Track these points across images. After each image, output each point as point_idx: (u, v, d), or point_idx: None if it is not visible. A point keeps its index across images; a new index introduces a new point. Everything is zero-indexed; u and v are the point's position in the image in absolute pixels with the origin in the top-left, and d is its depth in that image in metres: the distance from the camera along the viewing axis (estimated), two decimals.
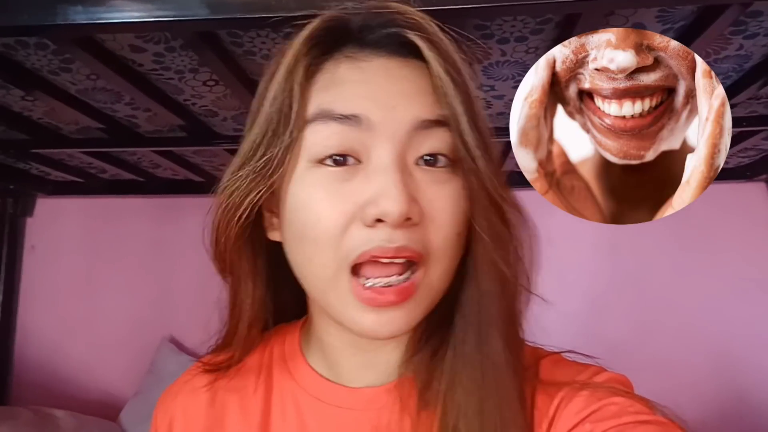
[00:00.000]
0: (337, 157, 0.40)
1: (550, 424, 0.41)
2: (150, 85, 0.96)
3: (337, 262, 0.40)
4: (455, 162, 0.41)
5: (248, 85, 0.92)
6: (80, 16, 0.69)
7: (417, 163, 0.41)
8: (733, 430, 1.54)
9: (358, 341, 0.46)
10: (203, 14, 0.69)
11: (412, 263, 0.40)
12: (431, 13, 0.67)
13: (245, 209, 0.42)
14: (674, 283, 1.64)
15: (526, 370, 0.44)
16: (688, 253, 1.64)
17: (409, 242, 0.39)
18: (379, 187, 0.38)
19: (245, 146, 0.43)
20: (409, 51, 0.42)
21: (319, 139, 0.40)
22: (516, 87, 0.98)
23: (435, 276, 0.41)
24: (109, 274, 1.78)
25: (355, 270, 0.40)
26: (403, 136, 0.40)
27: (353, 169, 0.40)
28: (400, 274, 0.40)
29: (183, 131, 1.18)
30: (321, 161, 0.40)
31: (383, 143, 0.39)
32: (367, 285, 0.39)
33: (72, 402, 1.66)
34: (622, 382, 0.44)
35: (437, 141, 0.41)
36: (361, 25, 0.43)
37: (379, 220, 0.38)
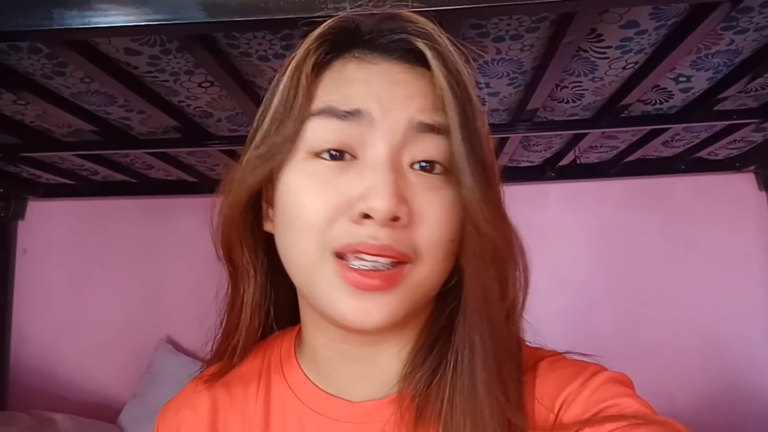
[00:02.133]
0: (334, 152, 0.41)
1: (552, 428, 0.41)
2: (145, 88, 0.95)
3: (321, 249, 0.40)
4: (451, 171, 0.41)
5: (244, 86, 0.92)
6: (75, 20, 0.69)
7: (412, 167, 0.41)
8: (725, 419, 1.57)
9: (347, 350, 0.46)
10: (199, 17, 0.69)
11: (396, 263, 0.40)
12: (429, 13, 0.68)
13: (243, 192, 0.43)
14: (665, 275, 1.66)
15: (525, 373, 0.44)
16: (678, 245, 1.67)
17: (393, 242, 0.39)
18: (370, 183, 0.39)
19: (254, 136, 0.44)
20: (415, 58, 0.43)
21: (318, 132, 0.41)
22: (510, 84, 0.99)
23: (421, 276, 0.41)
24: (103, 275, 1.77)
25: (340, 256, 0.40)
26: (398, 136, 0.40)
27: (348, 165, 0.41)
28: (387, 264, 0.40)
29: (177, 132, 1.17)
30: (318, 154, 0.41)
31: (379, 141, 0.40)
32: (354, 266, 0.39)
33: (69, 404, 1.66)
34: (622, 381, 0.44)
35: (433, 147, 0.41)
36: (372, 28, 0.43)
37: (366, 217, 0.39)
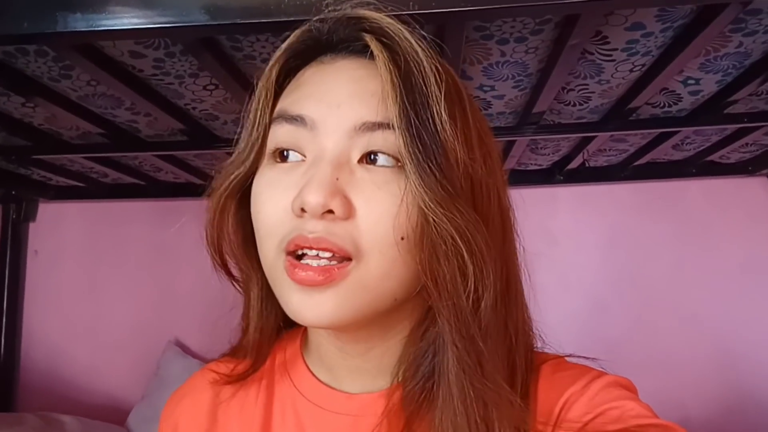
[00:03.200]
0: (285, 153, 0.43)
1: (553, 430, 0.41)
2: (150, 90, 0.96)
3: (276, 249, 0.41)
4: (402, 165, 0.40)
5: (248, 88, 0.92)
6: (80, 23, 0.70)
7: (361, 162, 0.41)
8: (738, 428, 1.54)
9: (343, 345, 0.47)
10: (203, 20, 0.69)
11: (340, 259, 0.40)
12: (432, 17, 0.68)
13: (222, 200, 0.46)
14: (676, 281, 1.64)
15: (526, 376, 0.44)
16: (690, 250, 1.64)
17: (329, 235, 0.39)
18: (307, 179, 0.40)
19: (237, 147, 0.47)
20: (372, 53, 0.42)
21: (274, 137, 0.43)
22: (516, 87, 0.99)
23: (369, 273, 0.40)
24: (112, 277, 1.78)
25: (290, 254, 0.41)
26: (343, 134, 0.41)
27: (298, 165, 0.42)
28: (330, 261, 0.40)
29: (184, 135, 1.18)
30: (274, 158, 0.43)
31: (324, 140, 0.41)
32: (300, 263, 0.40)
33: (78, 406, 1.67)
34: (624, 385, 0.44)
35: (382, 142, 0.40)
36: (329, 30, 0.44)
37: (304, 211, 0.39)
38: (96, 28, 0.70)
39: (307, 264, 0.39)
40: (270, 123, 0.43)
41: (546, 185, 1.66)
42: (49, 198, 1.75)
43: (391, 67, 0.40)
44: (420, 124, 0.39)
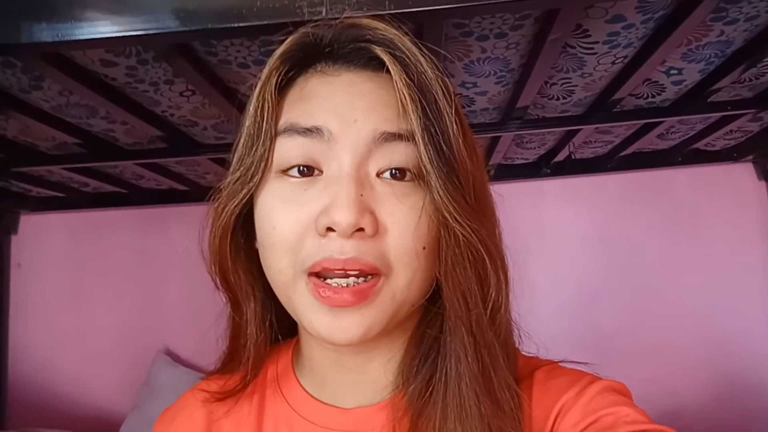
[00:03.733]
0: (301, 168, 0.41)
1: None
2: (125, 98, 0.94)
3: (294, 268, 0.40)
4: (421, 176, 0.41)
5: (226, 93, 0.90)
6: (45, 33, 0.67)
7: (381, 176, 0.41)
8: (728, 415, 1.55)
9: (340, 359, 0.46)
10: (174, 26, 0.67)
11: (368, 276, 0.40)
12: (409, 15, 0.66)
13: (227, 218, 0.43)
14: (665, 270, 1.64)
15: (522, 382, 0.43)
16: (679, 238, 1.65)
17: (360, 254, 0.38)
18: (332, 196, 0.39)
19: (232, 159, 0.45)
20: (378, 65, 0.42)
21: (284, 150, 0.41)
22: (498, 83, 0.97)
23: (397, 287, 0.40)
24: (98, 287, 1.76)
25: (314, 274, 0.40)
26: (362, 148, 0.40)
27: (314, 180, 0.41)
28: (358, 278, 0.40)
29: (163, 142, 1.16)
30: (285, 172, 0.41)
31: (342, 155, 0.40)
32: (327, 283, 0.39)
33: (68, 419, 1.64)
34: (619, 389, 0.43)
35: (400, 155, 0.40)
36: (331, 40, 0.43)
37: (330, 230, 0.38)
38: (63, 38, 0.67)
39: (338, 285, 0.39)
40: (274, 135, 0.42)
41: (533, 179, 1.65)
42: (29, 209, 1.72)
43: (407, 80, 0.39)
44: (439, 135, 0.39)
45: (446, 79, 0.42)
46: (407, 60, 0.40)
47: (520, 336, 0.47)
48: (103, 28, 0.67)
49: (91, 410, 1.70)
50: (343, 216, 0.37)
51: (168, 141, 1.15)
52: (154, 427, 0.52)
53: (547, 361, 0.47)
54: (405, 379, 0.44)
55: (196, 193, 1.62)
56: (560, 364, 0.47)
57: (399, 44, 0.40)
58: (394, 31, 0.41)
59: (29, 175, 1.44)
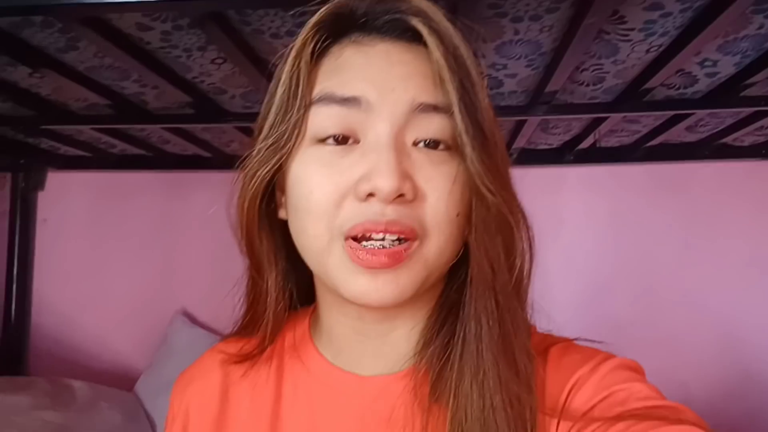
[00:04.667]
0: (337, 137, 0.42)
1: (561, 412, 0.42)
2: (158, 63, 0.95)
3: (331, 232, 0.41)
4: (455, 147, 0.42)
5: (256, 63, 0.91)
6: None
7: (416, 145, 0.42)
8: (739, 409, 1.55)
9: (363, 327, 0.47)
10: None
11: (404, 240, 0.41)
12: None
13: (257, 184, 0.44)
14: (683, 264, 1.63)
15: (535, 358, 0.44)
16: (698, 233, 1.63)
17: (400, 217, 0.40)
18: (372, 163, 0.40)
19: (261, 126, 0.45)
20: (412, 37, 0.43)
21: (321, 119, 0.42)
22: (529, 66, 0.97)
23: (430, 251, 0.42)
24: (119, 247, 1.80)
25: (351, 238, 0.41)
26: (400, 117, 0.41)
27: (351, 148, 0.42)
28: (394, 242, 0.41)
29: (191, 108, 1.17)
30: (322, 140, 0.43)
31: (380, 123, 0.41)
32: (363, 246, 0.41)
33: (87, 372, 1.70)
34: (631, 367, 0.44)
35: (435, 126, 0.42)
36: (366, 11, 0.44)
37: (371, 195, 0.40)
38: (100, 1, 0.69)
39: (374, 247, 0.40)
40: (309, 104, 0.43)
41: (555, 165, 1.64)
42: (57, 167, 1.75)
43: (444, 51, 0.40)
44: (474, 107, 0.40)
45: (478, 53, 0.43)
46: (442, 32, 0.41)
47: (534, 314, 0.48)
48: None
49: (110, 366, 1.76)
50: (386, 182, 0.38)
51: (196, 107, 1.16)
52: (172, 390, 0.54)
53: (562, 339, 0.48)
54: (424, 344, 0.46)
55: (218, 160, 1.63)
56: (575, 342, 0.48)
57: (432, 15, 0.41)
58: (427, 2, 0.42)
59: (59, 134, 1.47)
